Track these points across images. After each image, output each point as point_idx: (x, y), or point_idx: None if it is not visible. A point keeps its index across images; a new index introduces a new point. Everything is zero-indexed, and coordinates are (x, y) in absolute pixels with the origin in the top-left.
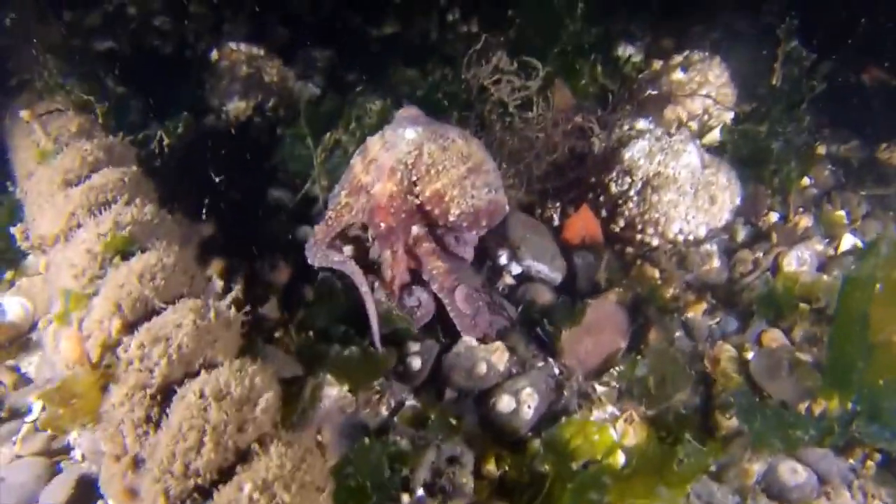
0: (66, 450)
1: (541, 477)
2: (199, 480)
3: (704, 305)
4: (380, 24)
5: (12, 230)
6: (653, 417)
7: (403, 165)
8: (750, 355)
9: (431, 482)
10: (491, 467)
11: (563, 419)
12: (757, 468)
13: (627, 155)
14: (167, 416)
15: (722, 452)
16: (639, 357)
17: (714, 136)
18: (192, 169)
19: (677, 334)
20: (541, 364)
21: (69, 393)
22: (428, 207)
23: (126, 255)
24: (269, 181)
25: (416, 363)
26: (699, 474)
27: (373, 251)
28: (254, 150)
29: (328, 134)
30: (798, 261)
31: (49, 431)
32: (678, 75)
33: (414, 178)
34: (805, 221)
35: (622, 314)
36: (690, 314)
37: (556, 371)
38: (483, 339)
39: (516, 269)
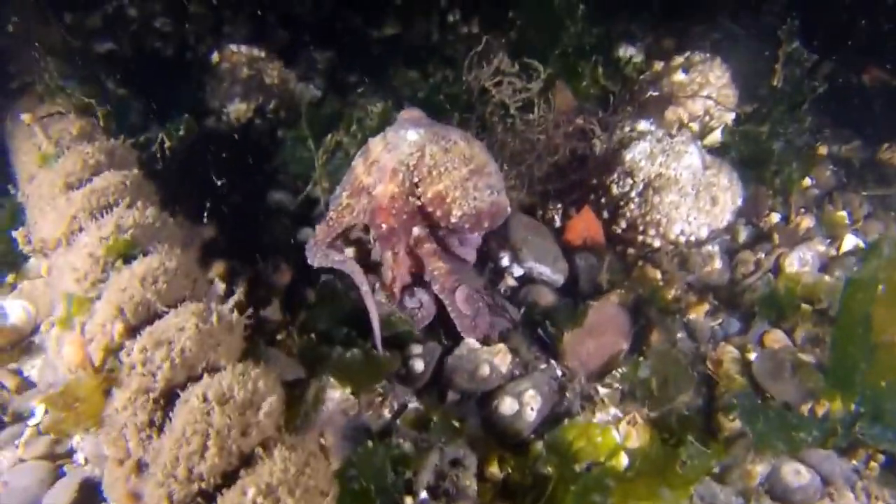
0: (69, 453)
1: (544, 479)
2: (203, 485)
3: (706, 307)
4: (380, 25)
5: (14, 234)
6: (655, 419)
7: (405, 167)
8: (752, 356)
9: (435, 485)
10: (494, 470)
11: (566, 421)
12: (760, 470)
13: (629, 156)
14: (170, 420)
15: (725, 454)
16: (641, 359)
17: (715, 137)
18: (193, 171)
19: (679, 336)
20: (543, 366)
21: (72, 397)
22: (430, 209)
23: (128, 259)
24: (271, 183)
25: (418, 365)
26: (702, 476)
27: (374, 253)
28: (255, 153)
29: (329, 136)
30: (800, 261)
31: (52, 435)
32: (679, 76)
33: (416, 180)
34: (807, 222)
35: (624, 316)
36: (692, 315)
37: (559, 373)
38: (485, 342)
39: (518, 270)
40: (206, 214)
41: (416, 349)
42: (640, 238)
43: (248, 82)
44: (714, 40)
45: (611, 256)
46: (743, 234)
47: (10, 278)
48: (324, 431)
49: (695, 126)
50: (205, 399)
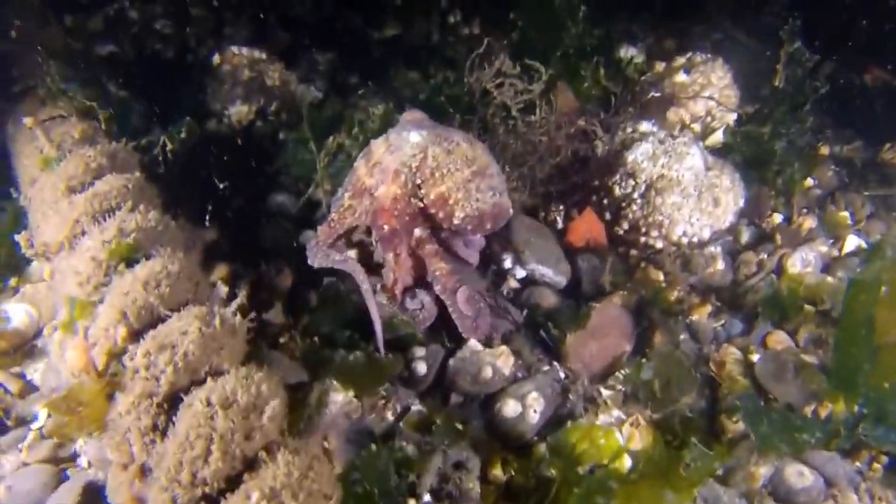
0: (73, 457)
1: (547, 481)
2: (207, 489)
3: (709, 308)
4: (381, 26)
5: (16, 237)
6: (658, 421)
7: (408, 168)
8: (755, 358)
9: (438, 488)
10: (497, 472)
11: (569, 423)
12: (763, 471)
13: (631, 158)
14: (174, 424)
15: (728, 456)
16: (644, 360)
17: (717, 137)
18: (195, 174)
19: (682, 337)
20: (546, 368)
21: (75, 401)
22: (432, 210)
23: (131, 263)
24: (272, 186)
25: (421, 368)
26: (706, 478)
27: (376, 254)
28: (256, 155)
29: (331, 138)
30: (802, 262)
31: (55, 439)
32: (681, 77)
33: (418, 181)
34: (809, 223)
35: (627, 317)
36: (695, 317)
37: (562, 375)
38: (487, 343)
39: (521, 272)
40: (207, 217)
41: (419, 352)
42: (643, 239)
43: (250, 84)
44: (715, 40)
45: (613, 258)
46: (745, 235)
47: (12, 282)
48: (327, 435)
49: (696, 127)
50: (208, 403)
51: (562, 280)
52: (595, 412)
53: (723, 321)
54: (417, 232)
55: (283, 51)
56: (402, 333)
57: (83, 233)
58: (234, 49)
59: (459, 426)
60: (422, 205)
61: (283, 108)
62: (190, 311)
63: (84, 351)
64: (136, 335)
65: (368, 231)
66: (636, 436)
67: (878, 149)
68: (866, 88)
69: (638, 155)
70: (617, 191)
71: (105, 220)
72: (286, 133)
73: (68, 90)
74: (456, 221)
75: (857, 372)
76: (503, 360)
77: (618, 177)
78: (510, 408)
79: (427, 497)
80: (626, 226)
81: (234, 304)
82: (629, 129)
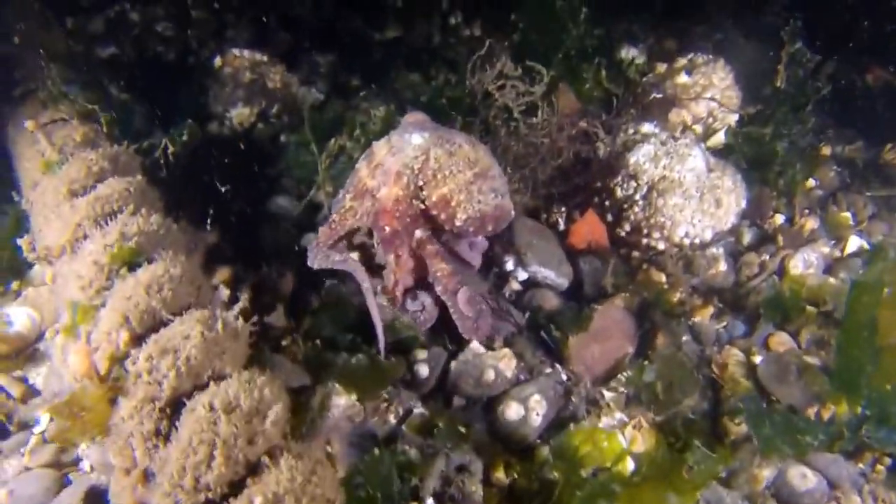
0: (75, 462)
1: (550, 484)
2: (210, 494)
3: (711, 309)
4: (382, 27)
5: (19, 241)
6: (661, 423)
7: (410, 170)
8: (758, 359)
9: (441, 491)
10: (500, 475)
11: (572, 426)
12: (766, 474)
13: (633, 159)
14: (176, 428)
15: (731, 458)
16: (646, 362)
17: (719, 138)
18: (197, 176)
19: (684, 339)
20: (548, 370)
21: (78, 406)
22: (434, 212)
23: (133, 266)
24: (274, 188)
25: (423, 371)
26: (709, 481)
27: (378, 257)
28: (258, 157)
29: (332, 140)
30: (804, 263)
31: (58, 444)
32: (682, 78)
33: (420, 183)
34: (811, 223)
35: (629, 319)
36: (697, 318)
37: (564, 377)
38: (489, 346)
39: (523, 274)
40: (209, 220)
41: (422, 354)
42: (645, 241)
43: (251, 87)
44: (716, 41)
45: (615, 260)
46: (747, 236)
47: (14, 285)
48: (330, 438)
49: (698, 128)
50: (211, 408)
51: (564, 282)
52: (597, 414)
53: (725, 323)
54: (418, 233)
55: (284, 53)
56: (404, 336)
57: (85, 236)
58: (236, 51)
59: (462, 429)
60: (423, 206)
61: (285, 110)
62: (192, 315)
63: (86, 355)
64: (138, 339)
65: (370, 233)
66: (639, 438)
67: (880, 149)
68: (868, 89)
69: (640, 156)
70: (619, 192)
71: (107, 223)
72: (287, 135)
73: (69, 93)
74: (458, 223)
75: (859, 374)
76: (505, 363)
77: (619, 178)
78: (513, 410)
79: (430, 500)
80: (627, 227)
81: (237, 308)
82: (631, 131)
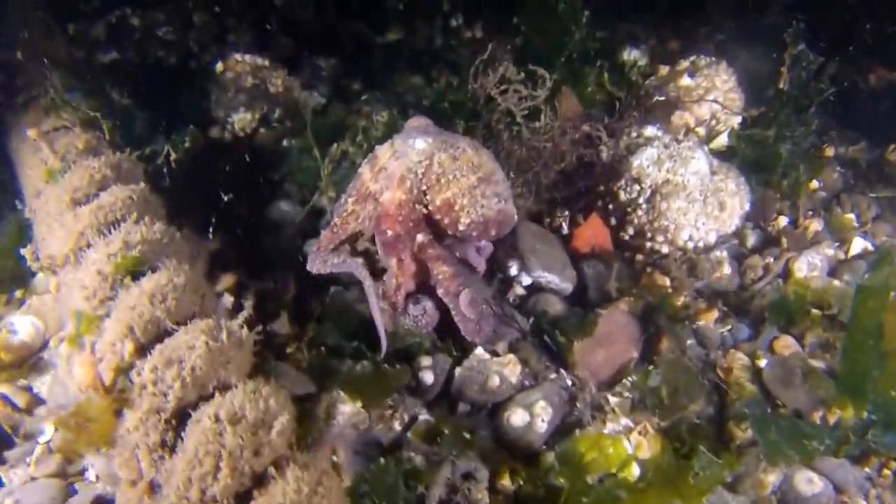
0: (81, 471)
1: (556, 491)
2: None
3: (716, 313)
4: (383, 30)
5: (22, 251)
6: (667, 428)
7: (414, 174)
8: (763, 363)
9: (447, 499)
10: (506, 482)
11: (577, 432)
12: (772, 479)
13: (636, 162)
14: (182, 440)
15: (737, 463)
16: (651, 367)
17: (722, 140)
18: (199, 182)
19: (689, 343)
20: (553, 376)
21: (83, 417)
22: (438, 216)
23: (136, 276)
24: (276, 194)
25: (428, 377)
26: (715, 487)
27: (382, 262)
28: (260, 163)
29: (335, 145)
30: (809, 266)
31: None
32: (685, 81)
33: (424, 187)
34: (815, 225)
35: (634, 324)
36: (702, 322)
37: (569, 382)
38: (494, 352)
39: (526, 279)
40: (211, 227)
41: (426, 361)
42: (649, 244)
43: (253, 91)
44: (717, 41)
45: (619, 264)
46: (751, 239)
47: (18, 294)
48: (335, 447)
49: (701, 130)
50: (217, 419)
51: (568, 287)
52: (603, 420)
53: (729, 326)
54: (420, 237)
55: (285, 57)
56: (409, 343)
57: (88, 245)
58: (237, 56)
59: (467, 436)
60: (426, 211)
61: (287, 114)
62: (196, 325)
63: (91, 366)
64: (143, 350)
65: (373, 240)
66: (644, 444)
67: (884, 150)
68: (871, 89)
69: (643, 160)
70: (622, 196)
71: (110, 232)
72: (290, 140)
73: (72, 100)
74: (461, 227)
75: (865, 379)
76: (510, 369)
77: (623, 182)
78: (518, 417)
79: None
80: (631, 231)
81: (241, 317)
82: (634, 134)
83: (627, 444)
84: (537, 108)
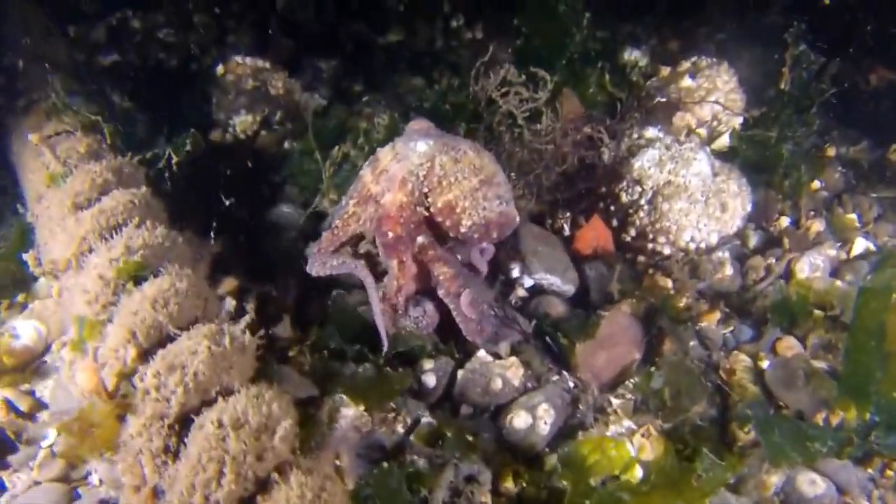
0: (84, 476)
1: (559, 493)
2: None
3: (718, 314)
4: (384, 31)
5: (24, 256)
6: (669, 430)
7: (415, 177)
8: (765, 364)
9: (450, 502)
10: (509, 485)
11: (580, 434)
12: (775, 480)
13: (637, 164)
14: (185, 445)
15: (740, 465)
16: (653, 369)
17: (723, 141)
18: (200, 185)
19: (691, 344)
20: (555, 378)
21: (86, 423)
22: (439, 219)
23: (139, 280)
24: (278, 196)
25: (430, 380)
26: (718, 489)
27: (383, 265)
28: (261, 165)
29: (336, 148)
30: (811, 267)
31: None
32: (687, 82)
33: (425, 190)
34: (817, 226)
35: (636, 326)
36: (704, 323)
37: (571, 385)
38: (497, 355)
39: (528, 281)
40: (213, 232)
41: (428, 364)
42: (650, 246)
43: (254, 94)
44: (718, 42)
45: (621, 265)
46: (753, 240)
47: (20, 298)
48: (338, 451)
49: (703, 131)
50: (220, 424)
51: (570, 288)
52: (605, 422)
53: (732, 327)
54: (420, 239)
55: (286, 59)
56: (411, 346)
57: (90, 250)
58: (238, 59)
59: (470, 438)
60: (427, 213)
61: (288, 116)
62: (199, 330)
63: (94, 372)
64: (145, 355)
65: (374, 242)
66: (647, 446)
67: (885, 149)
68: (872, 89)
69: (644, 161)
70: (624, 197)
71: (112, 236)
72: (291, 143)
73: (73, 104)
74: (462, 230)
75: (868, 380)
76: (513, 372)
77: (624, 183)
78: (521, 419)
79: None
80: (633, 232)
81: (244, 322)
82: (635, 136)
83: (630, 446)
84: (538, 109)
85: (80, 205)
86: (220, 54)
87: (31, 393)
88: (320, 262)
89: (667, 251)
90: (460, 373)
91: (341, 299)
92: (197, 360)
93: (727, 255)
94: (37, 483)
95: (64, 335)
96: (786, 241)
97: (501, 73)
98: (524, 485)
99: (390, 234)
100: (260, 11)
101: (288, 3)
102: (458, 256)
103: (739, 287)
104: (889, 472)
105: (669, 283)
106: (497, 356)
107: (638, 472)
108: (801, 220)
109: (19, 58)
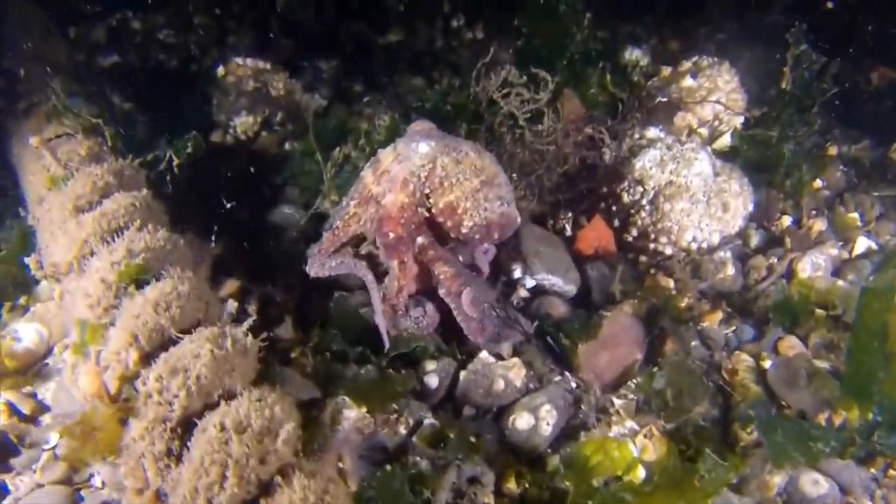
0: (87, 478)
1: (561, 494)
2: None
3: (720, 314)
4: (384, 31)
5: (26, 260)
6: (672, 431)
7: (417, 178)
8: (767, 364)
9: (453, 503)
10: (511, 486)
11: (582, 435)
12: (778, 480)
13: (639, 164)
14: (188, 449)
15: (742, 465)
16: (655, 369)
17: (724, 141)
18: (201, 186)
19: (693, 344)
20: (557, 379)
21: (89, 427)
22: (440, 220)
23: (140, 284)
24: (279, 198)
25: (432, 381)
26: (720, 489)
27: (384, 266)
28: (263, 167)
29: (337, 149)
30: (813, 266)
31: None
32: (688, 82)
33: (427, 191)
34: (818, 225)
35: (638, 326)
36: (706, 323)
37: (574, 385)
38: (499, 356)
39: (530, 282)
40: (213, 234)
41: (431, 365)
42: (652, 246)
43: (254, 95)
44: (719, 41)
45: (623, 265)
46: (755, 239)
47: (22, 300)
48: (341, 454)
49: (704, 131)
50: (222, 428)
51: (572, 289)
52: (608, 423)
53: (734, 327)
54: (420, 239)
55: (286, 59)
56: (414, 347)
57: (92, 253)
58: (238, 60)
59: (473, 439)
60: (428, 214)
61: (288, 117)
62: (201, 333)
63: (96, 376)
64: (147, 358)
65: (375, 243)
66: (650, 447)
67: (886, 148)
68: (873, 88)
69: (646, 161)
70: (625, 198)
71: (113, 239)
72: (292, 143)
73: (73, 106)
74: (464, 231)
75: (870, 380)
76: (515, 372)
77: (626, 184)
78: (523, 420)
79: None
80: (635, 232)
81: (246, 325)
82: (636, 136)
83: (633, 446)
84: (540, 110)
85: (81, 208)
86: (220, 55)
87: (33, 395)
88: (318, 264)
89: (668, 251)
90: (462, 374)
91: (343, 301)
92: (199, 363)
93: (729, 254)
94: (40, 486)
95: (65, 338)
96: (787, 240)
97: (503, 74)
98: (527, 486)
99: (391, 235)
100: (260, 12)
101: (288, 3)
102: (461, 257)
103: (741, 287)
104: (892, 472)
105: (671, 284)
106: (499, 357)
107: (640, 473)
108: (802, 219)
109: (20, 59)
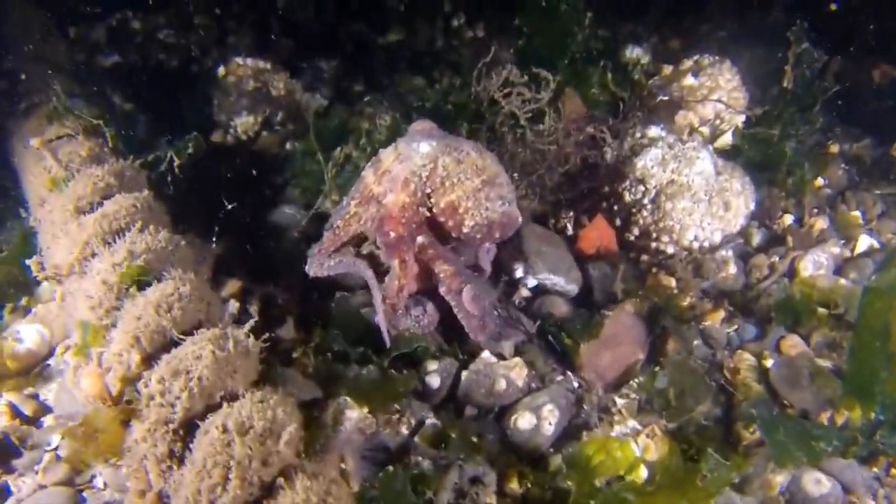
0: (89, 479)
1: (563, 494)
2: None
3: (722, 313)
4: (384, 31)
5: (28, 261)
6: (674, 430)
7: (418, 177)
8: (769, 363)
9: (455, 503)
10: (513, 485)
11: (585, 435)
12: (780, 479)
13: (640, 163)
14: (190, 450)
15: (745, 465)
16: (658, 369)
17: (726, 139)
18: (202, 187)
19: (695, 343)
20: (559, 378)
21: (91, 428)
22: (442, 219)
23: (142, 285)
24: (280, 198)
25: (434, 381)
26: (723, 489)
27: (385, 266)
28: (263, 167)
29: (338, 149)
30: (814, 264)
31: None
32: (689, 80)
33: (428, 191)
34: (820, 223)
35: (640, 325)
36: (708, 322)
37: (576, 385)
38: (501, 356)
39: (532, 282)
40: (214, 235)
41: (432, 365)
42: (654, 245)
43: (255, 95)
44: (719, 39)
45: (625, 265)
46: (756, 238)
47: (23, 302)
48: (343, 454)
49: (705, 130)
50: (224, 430)
51: (573, 288)
52: (610, 422)
53: (736, 326)
54: (420, 239)
55: (286, 59)
56: (415, 347)
57: (93, 255)
58: (239, 60)
59: (474, 439)
60: (429, 214)
61: (289, 117)
62: (203, 335)
63: (98, 377)
64: (149, 360)
65: (376, 243)
66: (652, 446)
67: (888, 146)
68: (875, 87)
69: (647, 160)
70: (627, 197)
71: (115, 241)
72: (293, 143)
73: (74, 107)
74: (465, 230)
75: (873, 380)
76: (517, 372)
77: (627, 183)
78: (525, 420)
79: None
80: (636, 232)
81: (247, 326)
82: (638, 135)
83: (635, 446)
84: (541, 110)
85: (82, 209)
86: (220, 55)
87: (35, 396)
88: (318, 263)
89: (670, 250)
90: (464, 374)
91: (345, 301)
92: (201, 364)
93: (731, 253)
94: (42, 487)
95: (67, 339)
96: (789, 238)
97: (504, 74)
98: (529, 486)
99: (392, 234)
100: (260, 12)
101: (288, 3)
102: (462, 257)
103: (743, 285)
104: (894, 471)
105: (673, 283)
106: (501, 357)
107: (643, 473)
108: (804, 217)
109: (20, 60)
